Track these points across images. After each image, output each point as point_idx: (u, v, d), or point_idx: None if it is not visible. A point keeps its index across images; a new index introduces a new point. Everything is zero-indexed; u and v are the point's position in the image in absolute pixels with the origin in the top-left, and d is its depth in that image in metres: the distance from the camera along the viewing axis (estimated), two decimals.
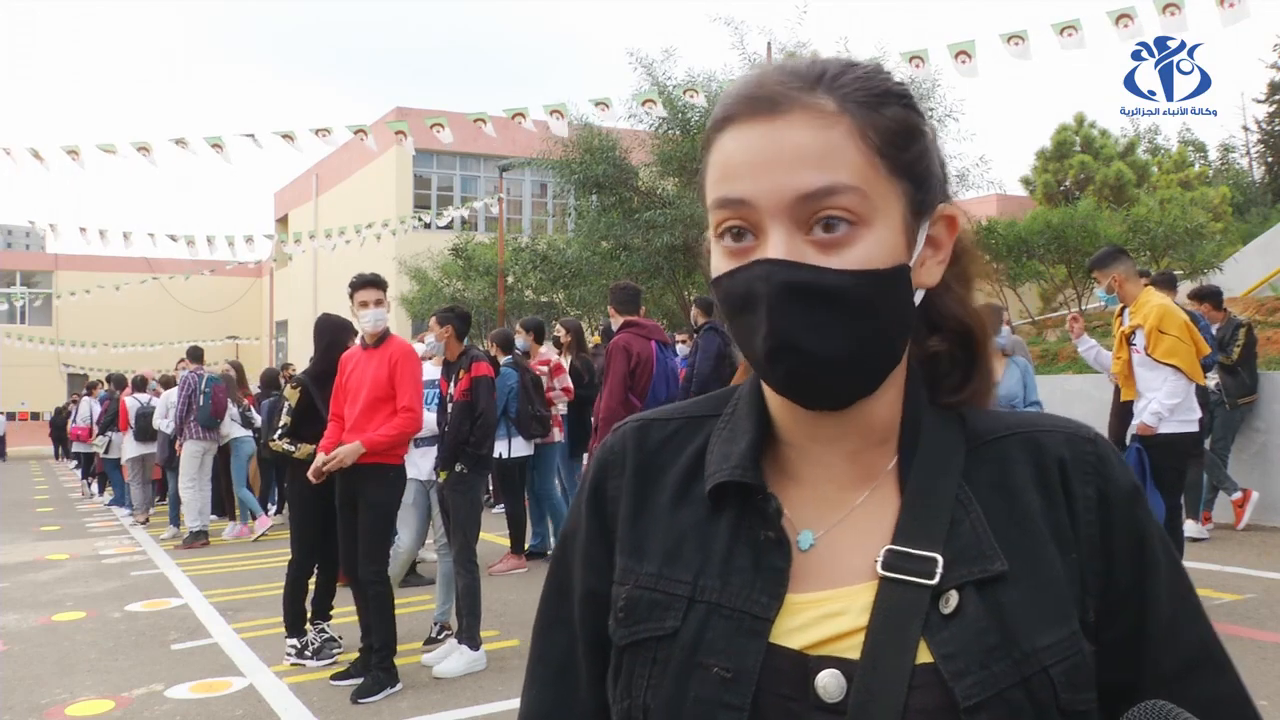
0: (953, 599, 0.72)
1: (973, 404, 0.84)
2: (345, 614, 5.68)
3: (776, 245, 0.72)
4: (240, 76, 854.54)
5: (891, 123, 0.75)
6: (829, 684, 0.72)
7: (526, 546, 8.04)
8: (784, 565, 0.76)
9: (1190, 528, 7.22)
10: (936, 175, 0.79)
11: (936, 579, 0.73)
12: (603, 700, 0.83)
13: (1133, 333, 5.23)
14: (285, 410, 5.54)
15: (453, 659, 5.08)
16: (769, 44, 15.72)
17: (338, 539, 5.06)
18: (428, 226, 21.13)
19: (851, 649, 0.72)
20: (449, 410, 5.28)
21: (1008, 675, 0.70)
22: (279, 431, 5.47)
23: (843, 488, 0.80)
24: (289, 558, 5.47)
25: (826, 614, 0.75)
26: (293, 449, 5.34)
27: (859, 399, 0.77)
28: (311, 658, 5.34)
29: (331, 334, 5.62)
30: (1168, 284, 7.61)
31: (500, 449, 7.52)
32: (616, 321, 5.90)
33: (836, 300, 0.72)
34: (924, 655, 0.71)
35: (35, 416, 37.19)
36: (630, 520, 0.84)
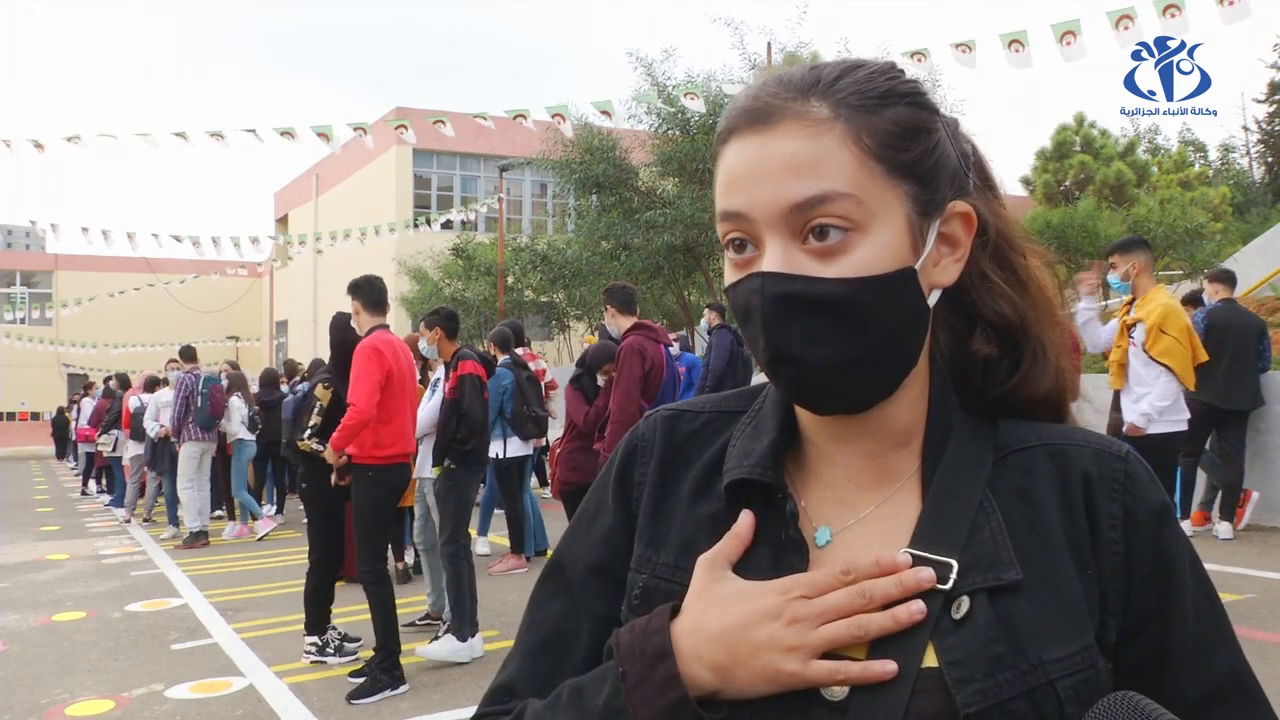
0: (964, 605, 0.71)
1: (1029, 392, 0.82)
2: (349, 613, 5.70)
3: (772, 257, 0.73)
4: (240, 76, 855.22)
5: (889, 124, 0.74)
6: None
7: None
8: (801, 566, 0.76)
9: (1223, 529, 7.32)
10: (949, 172, 0.77)
11: (950, 584, 0.72)
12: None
13: (1134, 325, 5.26)
14: (315, 410, 5.44)
15: (437, 644, 5.17)
16: (769, 44, 15.75)
17: (344, 541, 5.18)
18: (429, 225, 21.14)
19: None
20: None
21: (1012, 685, 0.69)
22: (308, 431, 5.37)
23: (863, 488, 0.80)
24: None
25: None
26: (321, 449, 5.21)
27: (875, 403, 0.77)
28: (334, 654, 5.30)
29: (339, 332, 5.60)
30: (1228, 281, 7.64)
31: (496, 449, 7.53)
32: (616, 322, 5.81)
33: (832, 309, 0.72)
34: (930, 659, 0.70)
35: (35, 416, 37.16)
36: (652, 509, 0.84)
